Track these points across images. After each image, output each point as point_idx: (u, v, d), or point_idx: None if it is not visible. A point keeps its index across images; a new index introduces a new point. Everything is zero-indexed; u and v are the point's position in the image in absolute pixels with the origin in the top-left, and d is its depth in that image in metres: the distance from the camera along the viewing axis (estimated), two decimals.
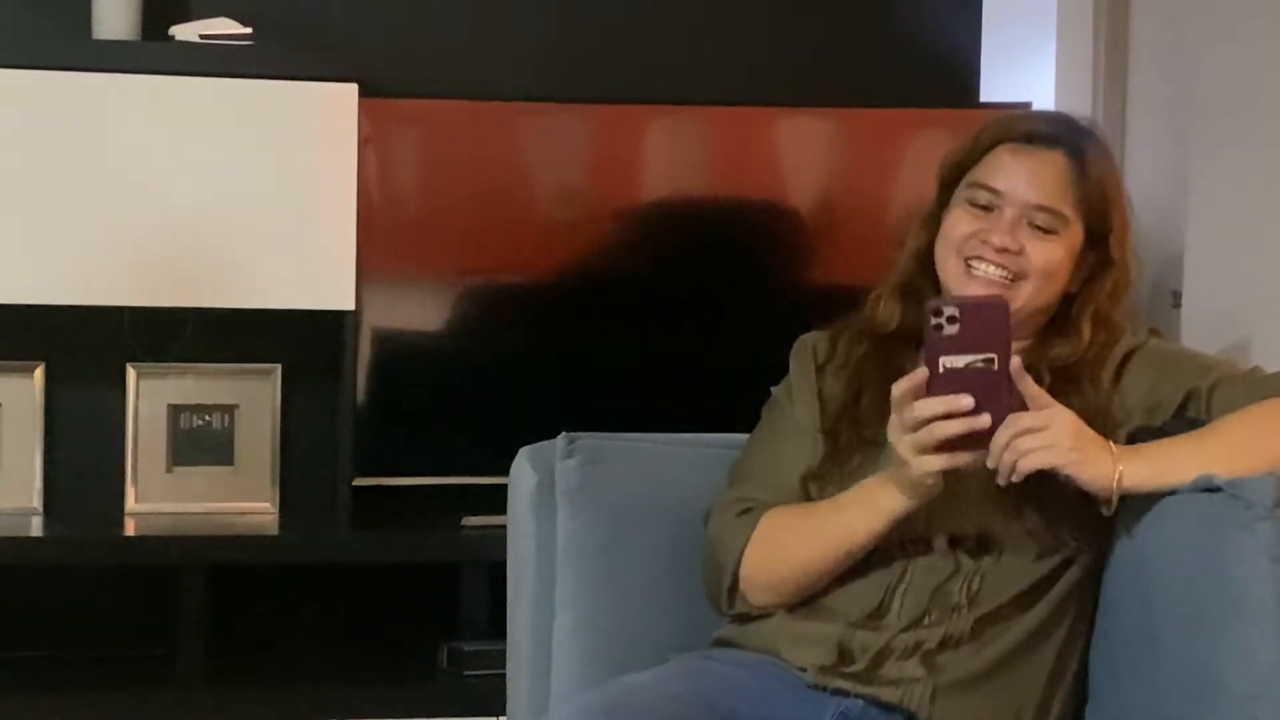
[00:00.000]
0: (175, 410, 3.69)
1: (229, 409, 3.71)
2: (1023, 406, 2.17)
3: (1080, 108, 3.64)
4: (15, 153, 3.44)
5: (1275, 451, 2.18)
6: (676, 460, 2.57)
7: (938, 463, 2.16)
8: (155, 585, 3.54)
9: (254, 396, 3.72)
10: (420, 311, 3.70)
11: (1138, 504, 2.21)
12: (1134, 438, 2.30)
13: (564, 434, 2.54)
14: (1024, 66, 4.13)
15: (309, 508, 3.71)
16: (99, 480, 3.66)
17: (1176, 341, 3.03)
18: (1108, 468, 2.18)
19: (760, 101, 3.80)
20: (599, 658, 2.45)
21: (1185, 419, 2.29)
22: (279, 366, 3.72)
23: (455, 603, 3.60)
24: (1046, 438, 2.16)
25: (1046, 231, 2.32)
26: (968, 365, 2.13)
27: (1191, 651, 2.14)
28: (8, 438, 3.62)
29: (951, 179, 2.39)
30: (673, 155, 3.79)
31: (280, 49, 3.56)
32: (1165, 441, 2.25)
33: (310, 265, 3.53)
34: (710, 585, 2.39)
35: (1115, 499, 2.18)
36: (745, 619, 2.37)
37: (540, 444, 2.57)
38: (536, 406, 3.62)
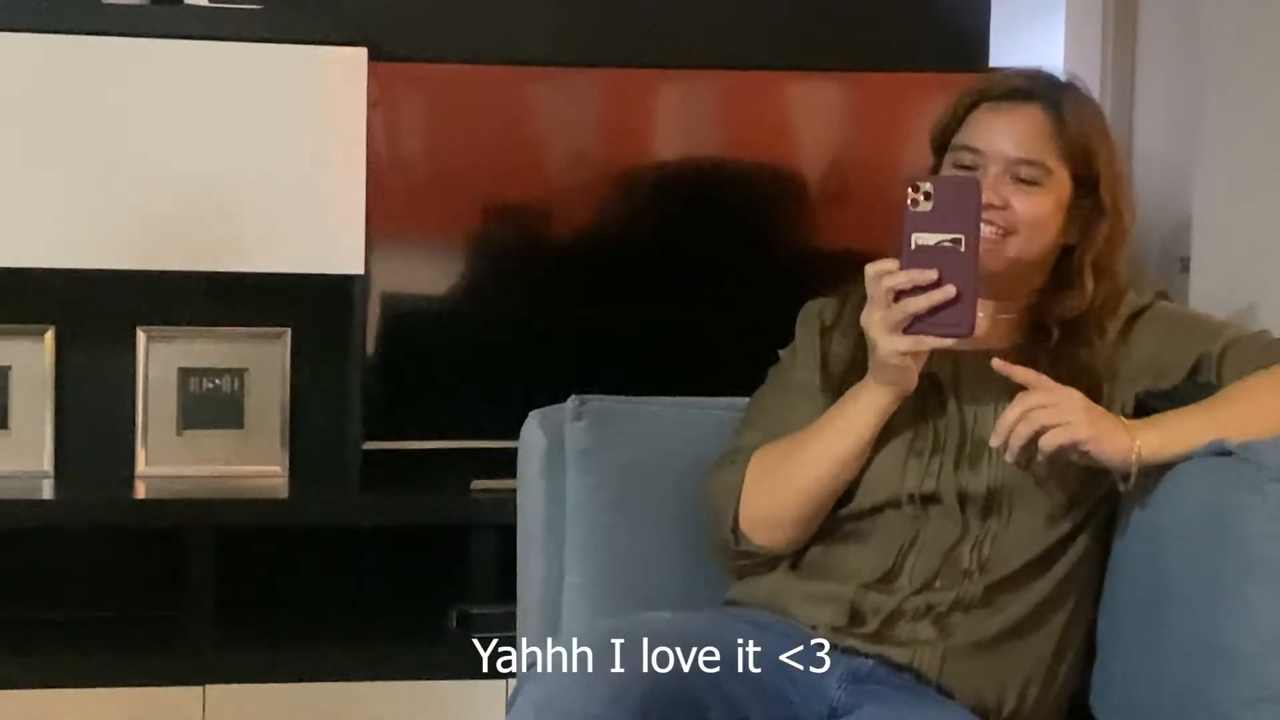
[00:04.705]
0: (185, 374, 3.69)
1: (239, 373, 3.72)
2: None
3: (1089, 71, 3.64)
4: (26, 117, 3.44)
5: None
6: (686, 423, 2.57)
7: (905, 343, 2.21)
8: (165, 548, 3.55)
9: (264, 360, 3.72)
10: (429, 275, 3.70)
11: (1148, 468, 2.21)
12: (1144, 402, 2.31)
13: (574, 396, 2.55)
14: (1033, 29, 4.12)
15: (318, 471, 3.72)
16: (109, 443, 3.67)
17: (1185, 306, 3.03)
18: (1125, 442, 2.19)
19: (769, 65, 3.79)
20: (609, 618, 2.45)
21: (1196, 383, 2.30)
22: (289, 330, 3.73)
23: (464, 566, 3.61)
24: (1062, 414, 2.17)
25: (1031, 184, 2.33)
26: (937, 244, 2.19)
27: (1200, 615, 2.15)
28: (18, 401, 3.63)
29: (940, 144, 2.41)
30: (682, 119, 3.78)
31: (289, 13, 3.56)
32: (1176, 411, 2.25)
33: (320, 229, 3.53)
34: (712, 533, 2.40)
35: (1135, 473, 2.19)
36: (752, 575, 2.38)
37: (550, 407, 2.58)
38: (545, 370, 3.63)
